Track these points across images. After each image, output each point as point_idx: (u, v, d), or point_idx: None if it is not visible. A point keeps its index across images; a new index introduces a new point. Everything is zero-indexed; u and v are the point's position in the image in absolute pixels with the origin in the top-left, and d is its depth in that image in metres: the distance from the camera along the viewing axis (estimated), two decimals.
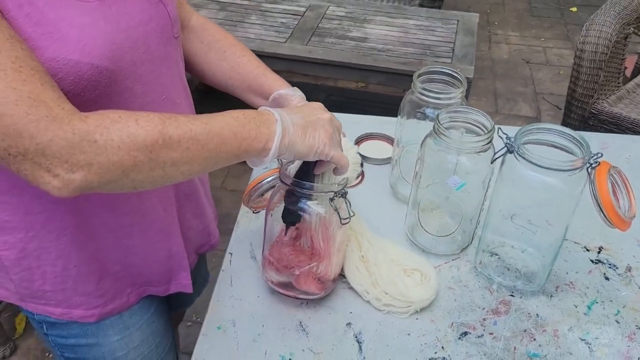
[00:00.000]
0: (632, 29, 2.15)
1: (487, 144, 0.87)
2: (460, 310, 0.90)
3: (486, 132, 0.87)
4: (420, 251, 0.99)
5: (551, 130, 0.85)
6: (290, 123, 0.72)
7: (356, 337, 0.86)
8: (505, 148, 0.84)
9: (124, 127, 0.60)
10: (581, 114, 2.10)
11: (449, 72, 1.00)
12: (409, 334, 0.86)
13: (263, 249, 0.90)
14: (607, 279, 0.95)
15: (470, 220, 0.97)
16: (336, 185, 0.82)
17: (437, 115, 0.88)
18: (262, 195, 0.93)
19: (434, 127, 0.88)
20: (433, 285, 0.89)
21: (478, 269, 0.96)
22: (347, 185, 0.85)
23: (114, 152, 0.59)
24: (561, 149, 0.85)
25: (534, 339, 0.86)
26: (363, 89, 2.91)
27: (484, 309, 0.90)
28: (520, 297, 0.92)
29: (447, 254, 0.99)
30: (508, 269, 0.95)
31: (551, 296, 0.92)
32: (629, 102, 2.11)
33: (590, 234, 1.03)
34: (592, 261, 0.98)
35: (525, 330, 0.87)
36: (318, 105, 0.80)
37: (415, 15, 2.40)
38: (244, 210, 1.07)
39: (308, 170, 0.82)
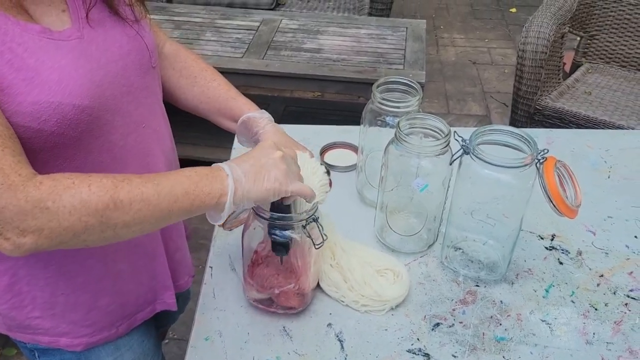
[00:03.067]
0: (567, 28, 2.29)
1: (445, 147, 0.94)
2: (431, 303, 0.96)
3: (443, 136, 0.94)
4: (390, 251, 1.05)
5: (502, 130, 0.93)
6: (242, 173, 0.72)
7: (337, 336, 0.91)
8: (462, 150, 0.92)
9: (77, 193, 0.62)
10: (527, 110, 2.23)
11: (406, 81, 1.07)
12: (386, 330, 0.92)
13: (243, 270, 0.94)
14: (561, 263, 1.04)
15: (434, 219, 1.04)
16: (305, 213, 0.85)
17: (398, 123, 0.95)
18: (237, 217, 0.98)
19: (395, 134, 0.95)
20: (405, 283, 0.96)
21: (445, 264, 1.03)
22: (318, 208, 0.89)
23: (66, 217, 0.61)
24: (512, 147, 0.92)
25: (500, 324, 0.93)
26: (319, 98, 2.98)
27: (452, 300, 0.97)
28: (485, 286, 0.99)
29: (415, 251, 1.05)
30: (472, 261, 1.02)
31: (512, 283, 1.00)
32: (569, 97, 2.25)
33: (543, 223, 1.12)
34: (546, 248, 1.07)
35: (491, 317, 0.94)
36: (268, 145, 0.77)
37: (366, 24, 2.49)
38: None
39: (280, 203, 0.83)
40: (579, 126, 2.12)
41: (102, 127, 0.72)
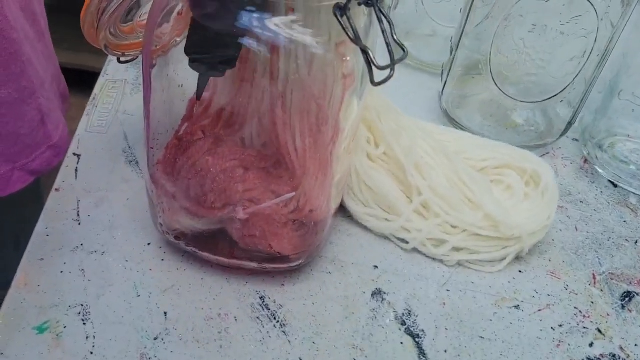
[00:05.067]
0: None
1: None
2: (595, 247, 0.43)
3: None
4: None
5: None
6: None
7: (402, 321, 0.35)
8: None
9: None
10: None
11: None
12: (517, 307, 0.37)
13: (148, 157, 0.35)
14: None
15: (569, 88, 0.49)
16: None
17: None
18: (131, 15, 0.37)
19: None
20: (552, 197, 0.41)
21: (599, 170, 0.49)
22: None
23: None
24: None
25: None
26: None
27: (636, 242, 0.44)
28: None
29: (524, 146, 0.51)
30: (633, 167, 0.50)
31: None
32: None
33: None
34: None
35: None
36: None
37: None
38: (110, 69, 0.51)
39: None
40: None
41: None
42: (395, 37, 0.29)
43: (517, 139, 0.51)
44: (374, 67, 0.28)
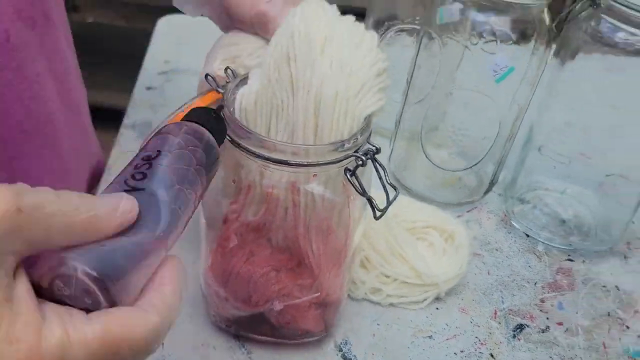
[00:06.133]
0: None
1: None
2: (501, 288, 0.54)
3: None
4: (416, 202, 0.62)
5: None
6: None
7: (340, 348, 0.48)
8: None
9: None
10: None
11: None
12: (430, 337, 0.49)
13: (202, 259, 0.46)
14: None
15: (493, 150, 0.61)
16: (353, 139, 0.37)
17: None
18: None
19: None
20: (464, 251, 0.53)
21: (513, 223, 0.61)
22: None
23: None
24: None
25: (627, 327, 0.53)
26: None
27: (535, 283, 0.56)
28: (584, 261, 0.59)
29: (454, 203, 0.63)
30: (551, 220, 0.62)
31: (626, 257, 0.60)
32: None
33: None
34: None
35: (609, 314, 0.54)
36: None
37: None
38: (122, 140, 0.64)
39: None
40: None
41: None
42: (388, 181, 0.39)
43: (452, 196, 0.63)
44: (376, 210, 0.38)
